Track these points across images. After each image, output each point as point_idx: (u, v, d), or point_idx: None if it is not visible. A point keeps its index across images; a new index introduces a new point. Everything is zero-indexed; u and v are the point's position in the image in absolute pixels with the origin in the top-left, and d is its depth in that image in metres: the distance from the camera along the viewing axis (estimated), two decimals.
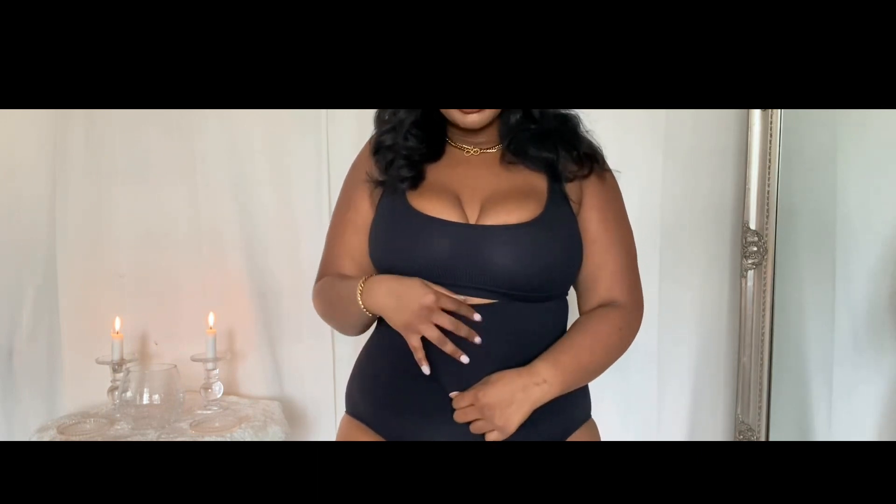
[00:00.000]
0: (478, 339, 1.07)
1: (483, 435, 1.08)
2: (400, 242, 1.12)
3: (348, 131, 1.88)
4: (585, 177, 1.18)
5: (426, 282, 1.07)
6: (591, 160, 1.18)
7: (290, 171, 1.94)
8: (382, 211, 1.17)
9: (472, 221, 1.12)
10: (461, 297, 1.09)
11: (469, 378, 1.09)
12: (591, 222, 1.17)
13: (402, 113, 1.18)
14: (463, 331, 1.07)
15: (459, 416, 1.08)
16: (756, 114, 1.73)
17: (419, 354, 1.08)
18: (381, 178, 1.18)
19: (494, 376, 1.07)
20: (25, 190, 1.98)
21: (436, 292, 1.05)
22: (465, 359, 1.07)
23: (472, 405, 1.07)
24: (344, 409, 1.25)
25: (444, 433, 1.09)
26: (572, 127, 1.20)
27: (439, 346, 1.06)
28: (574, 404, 1.17)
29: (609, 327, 1.15)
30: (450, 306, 1.06)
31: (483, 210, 1.13)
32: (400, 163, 1.16)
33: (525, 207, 1.12)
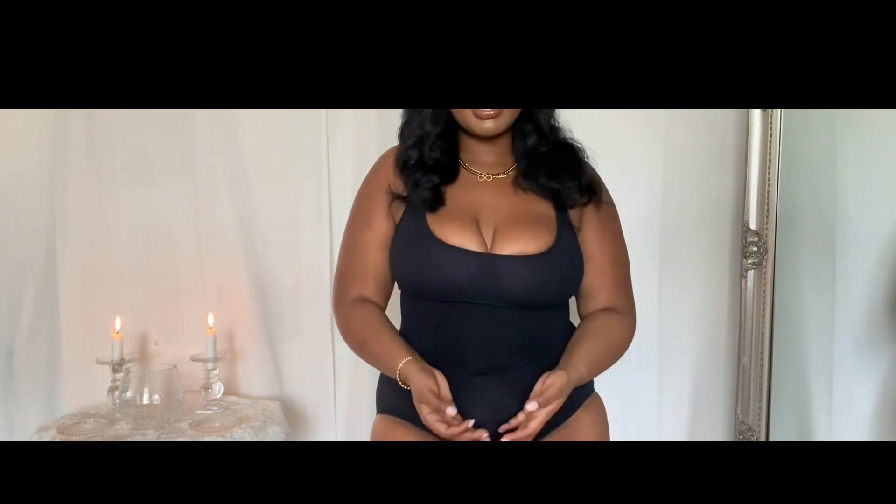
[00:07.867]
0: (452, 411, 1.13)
1: (482, 432, 1.15)
2: (424, 269, 1.21)
3: (348, 131, 1.89)
4: (585, 205, 1.28)
5: (430, 396, 1.14)
6: (591, 192, 1.28)
7: (290, 171, 1.94)
8: (404, 234, 1.25)
9: (488, 247, 1.21)
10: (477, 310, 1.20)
11: (489, 364, 1.19)
12: (590, 243, 1.28)
13: (427, 126, 1.25)
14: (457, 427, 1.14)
15: (531, 428, 1.13)
16: (756, 114, 1.73)
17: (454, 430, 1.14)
18: (404, 195, 1.25)
19: (557, 385, 1.15)
20: (25, 190, 1.98)
21: (434, 420, 1.13)
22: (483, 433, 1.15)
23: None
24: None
25: (470, 415, 1.16)
26: (577, 158, 1.30)
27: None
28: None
29: (621, 333, 1.30)
30: (444, 433, 1.12)
31: (498, 235, 1.21)
32: (424, 184, 1.23)
33: (539, 237, 1.22)
